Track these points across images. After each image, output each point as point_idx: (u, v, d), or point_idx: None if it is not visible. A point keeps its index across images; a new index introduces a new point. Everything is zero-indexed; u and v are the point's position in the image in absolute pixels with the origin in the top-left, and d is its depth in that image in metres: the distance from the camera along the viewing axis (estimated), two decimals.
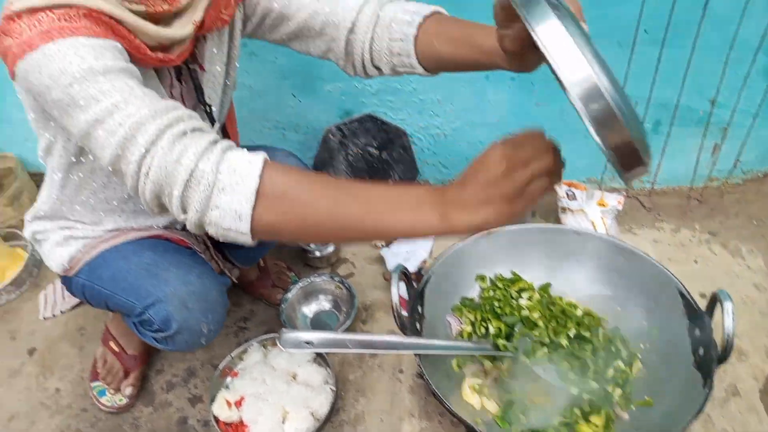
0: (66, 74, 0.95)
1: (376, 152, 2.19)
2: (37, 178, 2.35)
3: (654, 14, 1.78)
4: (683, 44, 1.85)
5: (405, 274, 1.19)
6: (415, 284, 1.30)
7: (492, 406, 1.11)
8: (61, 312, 2.04)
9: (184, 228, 1.64)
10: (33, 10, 0.99)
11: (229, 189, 0.87)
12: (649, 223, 2.15)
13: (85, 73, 0.95)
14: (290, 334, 1.07)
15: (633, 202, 2.20)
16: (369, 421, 1.71)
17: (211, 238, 1.71)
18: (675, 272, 1.19)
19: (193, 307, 1.36)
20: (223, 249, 1.83)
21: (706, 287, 1.85)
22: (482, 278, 1.34)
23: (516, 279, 1.36)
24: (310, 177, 0.93)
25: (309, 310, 2.01)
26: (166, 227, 1.54)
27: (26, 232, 1.53)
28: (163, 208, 0.95)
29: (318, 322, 1.97)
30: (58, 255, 1.47)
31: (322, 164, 2.19)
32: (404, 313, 1.16)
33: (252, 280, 1.99)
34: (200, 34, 1.28)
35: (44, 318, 2.04)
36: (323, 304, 2.02)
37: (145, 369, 1.83)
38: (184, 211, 0.91)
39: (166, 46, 1.16)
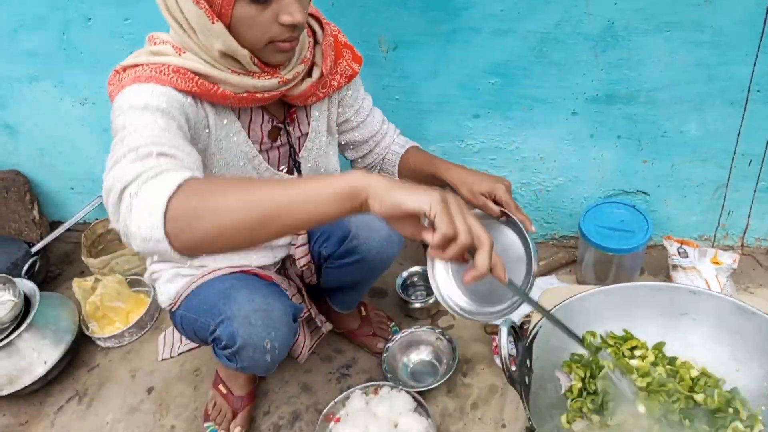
0: (120, 108, 1.14)
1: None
2: None
3: (767, 72, 1.75)
4: None
5: (514, 328, 1.20)
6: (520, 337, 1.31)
7: None
8: (179, 353, 2.15)
9: (278, 270, 1.74)
10: (135, 65, 1.23)
11: (146, 199, 0.91)
12: (766, 282, 2.04)
13: (130, 107, 1.13)
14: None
15: (749, 260, 2.11)
16: None
17: (305, 283, 1.81)
18: None
19: (256, 323, 1.44)
20: (325, 297, 1.92)
21: None
22: (593, 334, 1.33)
23: (628, 337, 1.33)
24: (225, 178, 0.98)
25: (409, 360, 2.03)
26: (260, 267, 1.66)
27: (146, 276, 1.70)
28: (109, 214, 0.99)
29: (418, 373, 1.99)
30: (166, 291, 1.62)
31: None
32: (513, 367, 1.17)
33: (354, 329, 2.06)
34: (299, 104, 1.48)
35: (162, 359, 2.16)
36: (423, 354, 2.04)
37: (253, 411, 1.91)
38: (117, 219, 0.96)
39: (252, 92, 1.32)
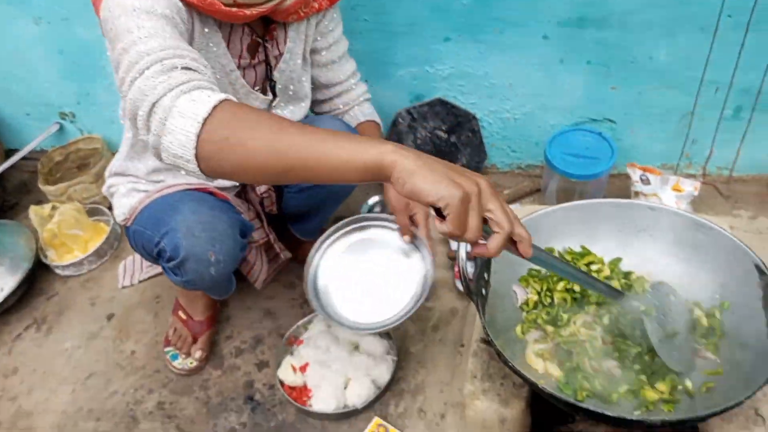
0: (120, 7, 1.08)
1: (445, 135, 2.20)
2: None
3: None
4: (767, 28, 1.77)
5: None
6: None
7: (555, 371, 1.11)
8: (139, 281, 2.14)
9: (238, 194, 1.71)
10: None
11: (180, 115, 0.91)
12: (725, 210, 2.07)
13: (134, 9, 1.07)
14: None
15: (709, 188, 2.13)
16: (429, 392, 1.72)
17: (265, 211, 1.79)
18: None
19: (200, 234, 1.42)
20: (288, 224, 1.90)
21: None
22: (551, 251, 1.33)
23: (585, 253, 1.34)
24: (261, 112, 0.94)
25: None
26: (220, 188, 1.63)
27: (104, 188, 1.67)
28: (135, 125, 1.00)
29: None
30: (122, 205, 1.59)
31: None
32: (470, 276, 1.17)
33: None
34: (279, 20, 1.43)
35: (123, 287, 2.15)
36: None
37: (213, 335, 1.91)
38: (147, 131, 0.96)
39: (240, 4, 1.27)
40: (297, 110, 1.65)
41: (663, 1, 1.78)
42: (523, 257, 0.92)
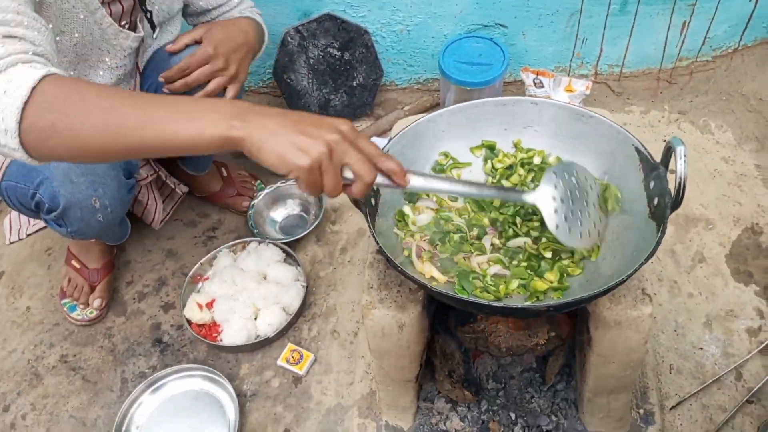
0: None
1: (338, 53, 2.12)
2: None
3: None
4: None
5: None
6: None
7: (439, 276, 1.10)
8: (27, 235, 1.99)
9: None
10: None
11: None
12: (618, 107, 2.11)
13: None
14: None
15: (602, 87, 2.16)
16: (341, 312, 1.72)
17: None
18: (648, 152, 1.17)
19: (79, 180, 1.33)
20: (176, 161, 1.80)
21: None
22: (446, 155, 1.31)
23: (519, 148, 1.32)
24: (88, 87, 0.85)
25: (278, 215, 1.99)
26: None
27: None
28: None
29: (288, 227, 1.95)
30: None
31: (283, 70, 2.12)
32: None
33: (215, 191, 1.96)
34: None
35: (11, 242, 1.99)
36: (292, 208, 2.00)
37: (113, 281, 1.82)
38: None
39: None
40: (166, 37, 1.54)
41: None
42: (403, 188, 0.90)
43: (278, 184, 1.98)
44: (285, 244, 1.82)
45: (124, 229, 1.71)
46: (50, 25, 1.11)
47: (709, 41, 2.07)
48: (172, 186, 1.77)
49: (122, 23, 1.40)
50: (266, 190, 1.97)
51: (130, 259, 1.90)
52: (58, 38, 1.28)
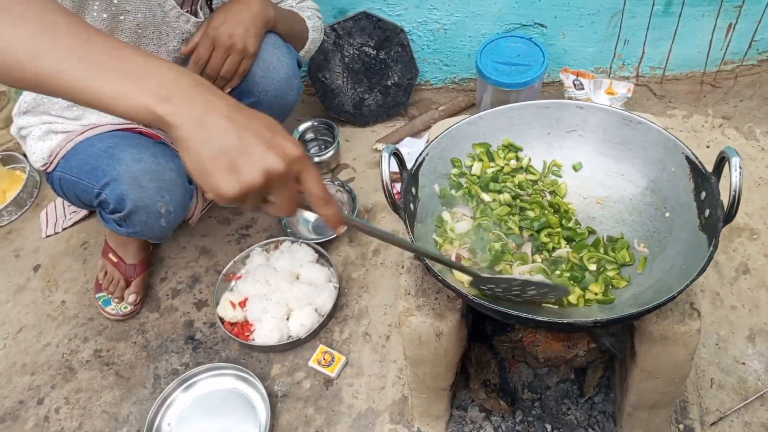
0: None
1: (373, 52, 2.10)
2: None
3: None
4: None
5: (396, 155, 1.13)
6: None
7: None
8: (63, 229, 2.03)
9: None
10: None
11: None
12: (660, 110, 2.06)
13: None
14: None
15: (643, 90, 2.11)
16: (372, 315, 1.70)
17: None
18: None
19: (148, 186, 1.34)
20: None
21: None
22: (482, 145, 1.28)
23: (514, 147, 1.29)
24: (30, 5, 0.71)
25: (311, 214, 1.97)
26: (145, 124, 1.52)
27: (13, 129, 1.53)
28: None
29: (320, 228, 1.94)
30: (39, 149, 1.46)
31: (317, 68, 2.11)
32: (395, 192, 1.12)
33: None
34: None
35: (47, 236, 2.03)
36: None
37: (148, 277, 1.83)
38: None
39: None
40: None
41: None
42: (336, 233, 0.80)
43: None
44: (318, 244, 1.81)
45: (171, 231, 1.72)
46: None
47: (755, 45, 2.01)
48: None
49: (184, 8, 1.41)
50: None
51: (165, 256, 1.91)
52: (121, 17, 1.31)
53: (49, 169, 1.48)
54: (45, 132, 1.47)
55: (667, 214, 1.13)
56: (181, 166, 1.42)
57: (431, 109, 2.19)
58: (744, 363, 1.52)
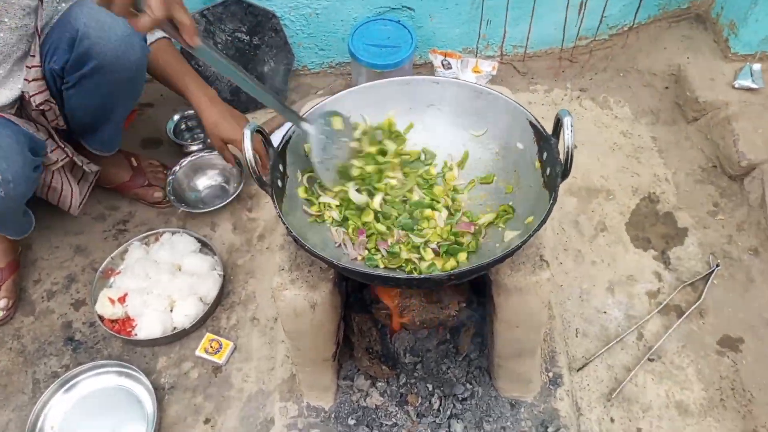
0: None
1: (247, 38, 2.09)
2: None
3: None
4: None
5: (261, 133, 1.15)
6: None
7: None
8: None
9: (18, 114, 1.54)
10: None
11: None
12: (523, 86, 2.18)
13: None
14: None
15: (507, 67, 2.23)
16: (260, 300, 1.71)
17: (57, 128, 1.62)
18: (547, 128, 1.21)
19: None
20: (78, 139, 1.73)
21: (577, 138, 1.93)
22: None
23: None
24: None
25: (199, 184, 1.99)
26: None
27: None
28: None
29: (209, 197, 1.96)
30: None
31: (189, 56, 2.07)
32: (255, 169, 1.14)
33: (126, 181, 1.90)
34: None
35: None
36: (213, 178, 2.00)
37: (19, 280, 1.75)
38: None
39: None
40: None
41: None
42: (190, 47, 0.95)
43: (202, 153, 1.97)
44: (201, 235, 1.79)
45: (28, 222, 1.64)
46: None
47: (605, 20, 2.17)
48: (81, 164, 1.69)
49: None
50: (189, 158, 1.95)
51: (37, 257, 1.82)
52: None
53: None
54: None
55: (517, 175, 1.22)
56: (20, 134, 1.40)
57: (310, 94, 2.21)
58: (605, 312, 1.66)
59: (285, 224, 1.06)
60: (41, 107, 1.54)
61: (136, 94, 1.66)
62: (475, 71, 2.04)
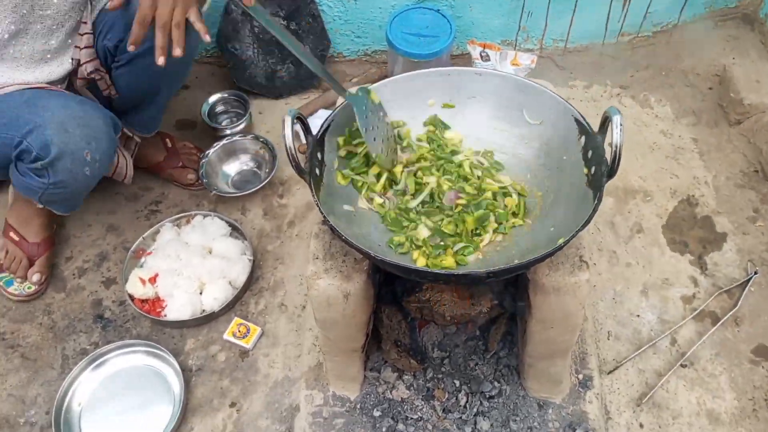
0: None
1: (284, 22, 2.08)
2: None
3: None
4: None
5: (301, 120, 1.14)
6: None
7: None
8: None
9: (68, 87, 1.56)
10: None
11: None
12: (562, 81, 2.14)
13: None
14: None
15: (546, 61, 2.19)
16: (288, 286, 1.71)
17: (109, 97, 1.64)
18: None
19: (74, 131, 1.33)
20: (123, 123, 1.74)
21: None
22: (395, 125, 1.30)
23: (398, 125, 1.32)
24: None
25: (231, 168, 1.99)
26: (50, 82, 1.48)
27: None
28: None
29: (240, 182, 1.97)
30: None
31: (227, 39, 2.07)
32: (299, 156, 1.13)
33: (160, 161, 1.91)
34: None
35: None
36: (245, 163, 2.01)
37: (52, 256, 1.76)
38: None
39: None
40: None
41: None
42: (245, 6, 0.99)
43: (235, 138, 1.97)
44: (232, 219, 1.80)
45: (81, 198, 1.66)
46: None
47: (650, 17, 2.12)
48: (130, 134, 1.73)
49: None
50: (223, 142, 1.96)
51: (70, 235, 1.84)
52: None
53: None
54: None
55: (559, 173, 1.20)
56: (108, 116, 1.43)
57: (345, 81, 2.20)
58: (638, 315, 1.63)
59: (322, 213, 1.05)
60: (92, 76, 1.56)
61: (183, 78, 1.68)
62: (513, 64, 2.00)
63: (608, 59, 2.18)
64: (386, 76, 2.19)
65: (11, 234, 1.71)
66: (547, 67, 2.18)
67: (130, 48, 1.32)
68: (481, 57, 2.03)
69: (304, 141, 1.20)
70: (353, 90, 1.21)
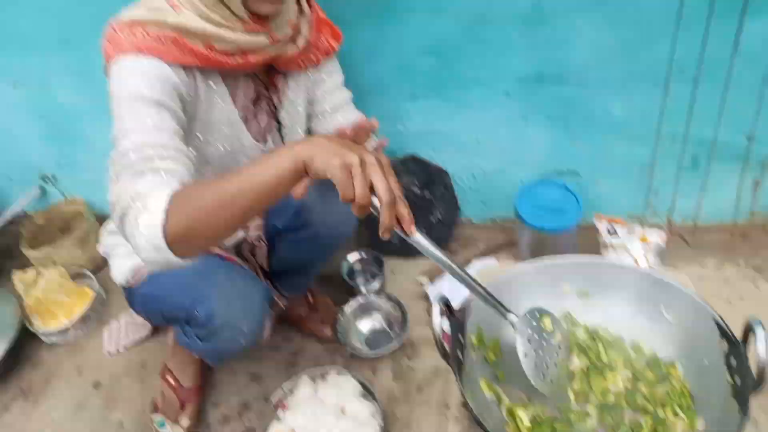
0: (118, 86, 1.19)
1: (419, 191, 2.27)
2: (103, 221, 2.50)
3: (686, 53, 1.83)
4: (717, 81, 1.88)
5: (447, 305, 1.25)
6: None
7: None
8: (125, 348, 2.16)
9: (237, 253, 1.76)
10: (133, 23, 1.23)
11: (143, 230, 1.03)
12: (692, 259, 2.14)
13: (129, 95, 1.17)
14: None
15: (676, 239, 2.21)
16: None
17: (261, 266, 1.82)
18: (718, 308, 1.21)
19: (235, 304, 1.47)
20: (272, 279, 1.93)
21: None
22: (546, 315, 1.35)
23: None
24: (201, 184, 1.07)
25: (364, 326, 2.12)
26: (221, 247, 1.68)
27: (100, 247, 1.70)
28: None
29: (373, 340, 2.08)
30: (123, 267, 1.60)
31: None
32: (445, 342, 1.22)
33: (302, 316, 2.08)
34: (281, 69, 1.51)
35: (108, 353, 2.15)
36: (377, 322, 2.14)
37: (201, 402, 1.92)
38: (123, 235, 1.10)
39: (245, 52, 1.34)
40: None
41: (616, 58, 1.89)
42: (407, 236, 1.05)
43: (369, 296, 2.13)
44: (363, 380, 1.89)
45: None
46: (194, 153, 1.30)
47: None
48: (275, 299, 1.89)
49: (258, 140, 1.56)
50: (358, 298, 2.12)
51: (217, 380, 2.00)
52: (212, 149, 1.46)
53: (132, 286, 1.60)
54: (130, 251, 1.61)
55: (699, 378, 1.21)
56: (264, 292, 1.58)
57: (472, 246, 2.32)
58: None
59: (469, 405, 1.12)
60: (253, 242, 1.75)
61: (338, 250, 1.84)
62: (642, 240, 2.05)
63: (739, 239, 2.17)
64: (513, 242, 2.31)
65: (168, 378, 1.90)
66: (676, 244, 2.19)
67: (385, 236, 1.19)
68: (609, 232, 2.09)
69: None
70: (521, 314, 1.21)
